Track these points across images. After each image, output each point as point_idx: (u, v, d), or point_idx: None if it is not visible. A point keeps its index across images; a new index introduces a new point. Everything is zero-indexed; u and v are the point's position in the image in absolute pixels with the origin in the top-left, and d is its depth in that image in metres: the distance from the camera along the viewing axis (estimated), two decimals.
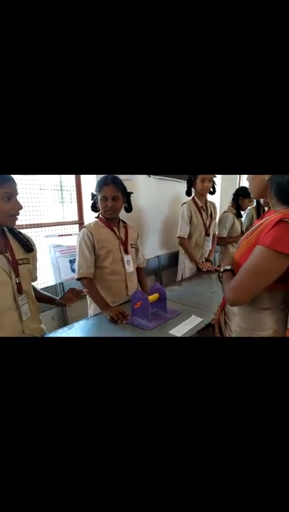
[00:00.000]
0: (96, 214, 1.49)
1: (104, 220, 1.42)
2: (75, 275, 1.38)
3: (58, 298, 1.17)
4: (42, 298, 1.16)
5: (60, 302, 1.15)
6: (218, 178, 2.64)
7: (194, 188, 2.16)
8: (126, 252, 1.45)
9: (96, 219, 1.46)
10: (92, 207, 1.46)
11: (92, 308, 1.45)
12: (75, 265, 1.41)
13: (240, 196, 2.47)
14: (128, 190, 1.46)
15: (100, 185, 1.36)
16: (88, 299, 1.47)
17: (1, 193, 0.87)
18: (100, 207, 1.40)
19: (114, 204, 1.36)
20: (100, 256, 1.39)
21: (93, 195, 1.43)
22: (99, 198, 1.37)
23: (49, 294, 1.21)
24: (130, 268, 1.46)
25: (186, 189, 2.19)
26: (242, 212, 2.56)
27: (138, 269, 1.58)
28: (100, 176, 1.42)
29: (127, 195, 1.45)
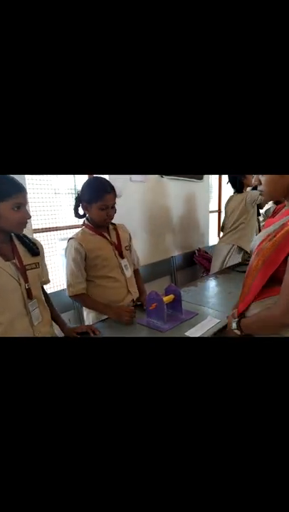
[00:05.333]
0: (80, 220, 1.35)
1: (92, 226, 1.31)
2: (67, 293, 1.28)
3: (69, 326, 1.19)
4: (56, 319, 1.18)
5: (68, 332, 1.17)
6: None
7: (244, 183, 2.21)
8: (121, 256, 1.35)
9: (82, 226, 1.34)
10: (75, 212, 1.32)
11: (90, 317, 1.38)
12: (65, 281, 1.31)
13: None
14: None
15: (101, 193, 1.22)
16: (85, 310, 1.42)
17: (12, 203, 0.89)
18: (92, 214, 1.28)
19: (112, 213, 1.28)
20: (97, 265, 1.29)
21: (79, 199, 1.29)
22: (94, 206, 1.24)
23: (63, 320, 1.21)
24: (129, 273, 1.38)
25: (234, 186, 2.27)
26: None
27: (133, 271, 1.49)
28: (86, 181, 1.30)
29: None
